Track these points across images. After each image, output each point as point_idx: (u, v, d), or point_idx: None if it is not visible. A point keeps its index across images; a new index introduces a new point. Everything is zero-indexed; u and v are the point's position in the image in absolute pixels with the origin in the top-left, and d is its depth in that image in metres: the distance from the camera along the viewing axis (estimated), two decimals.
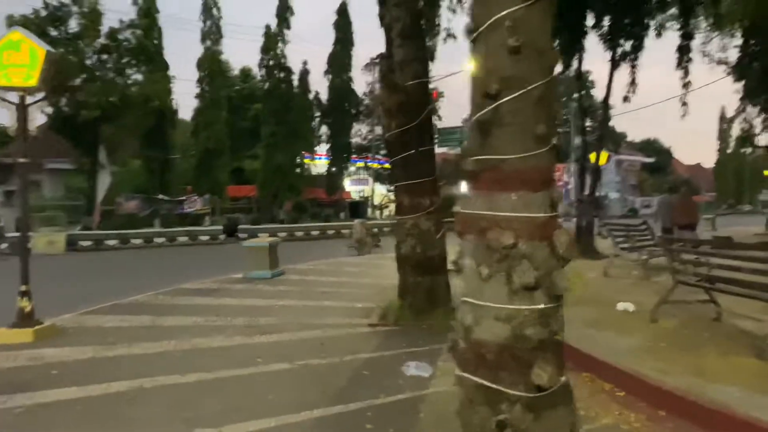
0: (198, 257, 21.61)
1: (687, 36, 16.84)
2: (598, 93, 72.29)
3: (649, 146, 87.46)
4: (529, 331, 3.04)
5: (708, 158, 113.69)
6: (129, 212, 32.30)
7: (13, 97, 7.30)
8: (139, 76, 31.58)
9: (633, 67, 17.19)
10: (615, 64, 16.90)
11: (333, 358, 6.27)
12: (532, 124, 3.07)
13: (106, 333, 7.51)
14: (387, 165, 48.37)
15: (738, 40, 24.76)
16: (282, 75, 38.65)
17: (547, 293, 3.08)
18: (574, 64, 17.57)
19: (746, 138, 28.11)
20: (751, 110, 27.66)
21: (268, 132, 38.17)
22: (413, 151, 7.81)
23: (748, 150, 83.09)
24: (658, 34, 17.55)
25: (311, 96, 42.43)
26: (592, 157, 19.05)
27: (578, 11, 16.67)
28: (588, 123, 75.45)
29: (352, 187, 51.68)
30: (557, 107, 3.50)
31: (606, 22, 16.86)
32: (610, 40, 16.85)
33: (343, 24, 42.63)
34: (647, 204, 78.38)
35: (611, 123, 77.48)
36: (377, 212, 47.36)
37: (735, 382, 4.80)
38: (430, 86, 35.83)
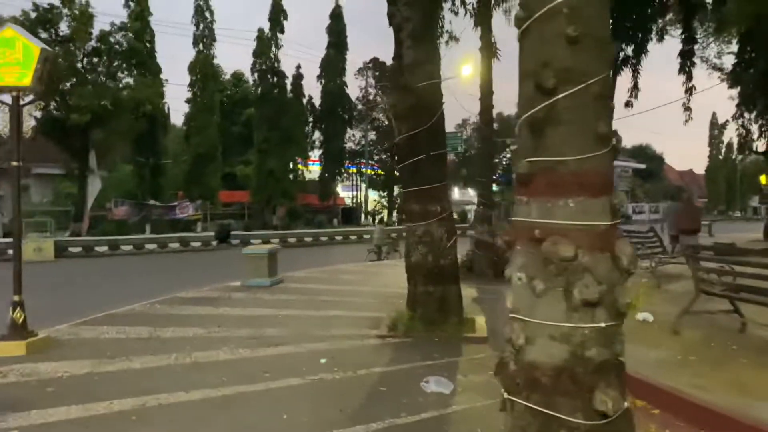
0: (191, 264, 21.20)
1: (689, 40, 16.69)
2: None
3: (641, 152, 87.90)
4: (590, 352, 2.74)
5: (700, 164, 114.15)
6: (119, 218, 31.78)
7: (6, 97, 6.94)
8: (130, 80, 31.08)
9: (635, 71, 17.01)
10: (616, 68, 16.71)
11: (346, 372, 5.95)
12: (591, 121, 2.78)
13: (103, 345, 7.13)
14: (380, 171, 48.22)
15: (733, 47, 24.80)
16: (275, 79, 38.32)
17: (609, 310, 2.77)
18: None
19: (744, 144, 28.01)
20: (747, 116, 27.76)
21: (260, 137, 37.85)
22: (424, 156, 7.51)
23: (739, 156, 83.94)
24: (660, 38, 17.41)
25: (304, 101, 42.09)
26: None
27: None
28: None
29: (344, 193, 51.37)
30: (612, 105, 3.22)
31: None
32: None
33: (336, 28, 42.45)
34: (640, 210, 78.83)
35: None
36: (369, 218, 47.02)
37: None
38: None
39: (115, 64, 30.49)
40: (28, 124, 7.18)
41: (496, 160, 45.56)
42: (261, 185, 37.96)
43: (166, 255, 25.83)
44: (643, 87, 16.97)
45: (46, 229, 30.03)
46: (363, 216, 46.85)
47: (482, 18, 13.58)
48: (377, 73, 47.27)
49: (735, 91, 27.67)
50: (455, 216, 39.37)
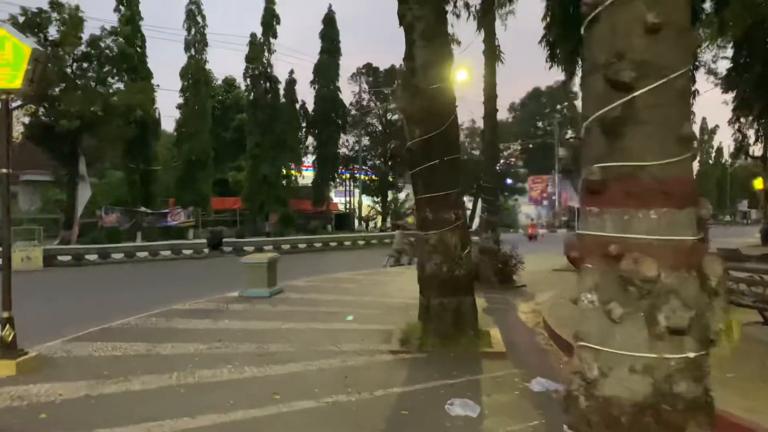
0: (184, 272, 20.69)
1: None
2: (580, 104, 72.94)
3: None
4: (678, 387, 2.37)
5: None
6: (110, 226, 31.17)
7: None
8: (121, 85, 30.55)
9: None
10: None
11: (362, 393, 5.56)
12: (674, 121, 2.43)
13: (99, 364, 6.69)
14: (374, 176, 47.86)
15: (727, 51, 24.68)
16: (268, 85, 37.90)
17: (699, 338, 2.41)
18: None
19: (740, 149, 27.97)
20: (743, 120, 27.69)
21: (253, 143, 37.40)
22: (437, 161, 7.15)
23: (729, 161, 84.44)
24: None
25: (297, 106, 41.70)
26: None
27: (581, 19, 16.22)
28: (570, 134, 75.63)
29: (337, 199, 50.96)
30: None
31: None
32: None
33: (329, 34, 42.12)
34: None
35: None
36: (363, 224, 46.63)
37: None
38: None
39: (106, 69, 29.94)
40: (18, 128, 6.78)
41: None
42: (254, 191, 37.48)
43: (157, 263, 25.28)
44: None
45: (34, 237, 29.35)
46: (357, 222, 46.42)
47: (485, 21, 13.28)
48: (371, 79, 46.99)
49: (728, 96, 27.60)
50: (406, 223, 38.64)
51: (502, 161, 49.13)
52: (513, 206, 68.33)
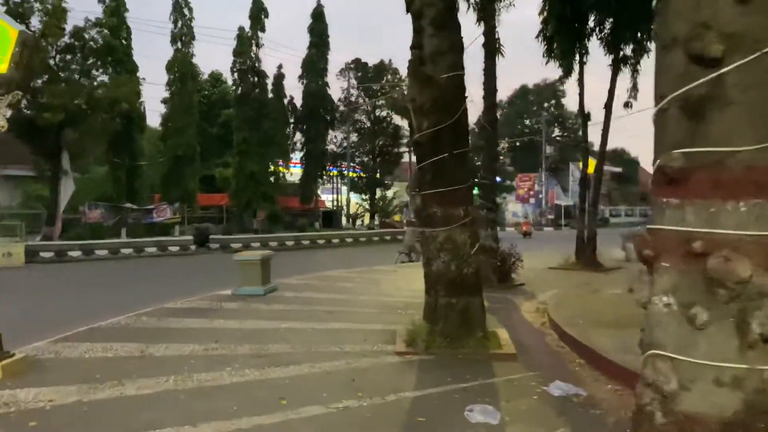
0: (171, 269, 20.25)
1: None
2: (568, 102, 73.24)
3: (617, 156, 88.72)
4: None
5: None
6: (93, 222, 30.54)
7: None
8: (105, 78, 29.94)
9: (634, 71, 16.64)
10: (617, 68, 16.33)
11: (373, 398, 5.25)
12: None
13: (90, 366, 6.32)
14: (362, 173, 47.50)
15: None
16: (256, 79, 37.40)
17: None
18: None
19: None
20: None
21: (240, 138, 36.88)
22: (446, 155, 6.84)
23: None
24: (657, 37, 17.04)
25: (286, 101, 41.22)
26: (591, 166, 18.57)
27: (579, 13, 16.05)
28: (557, 132, 75.81)
29: (324, 196, 50.53)
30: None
31: (607, 25, 16.28)
32: (612, 43, 16.27)
33: (318, 28, 41.65)
34: (616, 213, 79.44)
35: (581, 133, 78.65)
36: (351, 222, 46.27)
37: None
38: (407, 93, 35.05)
39: (90, 61, 29.39)
40: (3, 112, 6.34)
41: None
42: (241, 188, 36.99)
43: (143, 260, 24.76)
44: (620, 90, 16.65)
45: (16, 232, 28.66)
46: (345, 219, 46.03)
47: (486, 13, 13.01)
48: (359, 74, 46.59)
49: None
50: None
51: None
52: (501, 204, 68.37)
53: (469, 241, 6.99)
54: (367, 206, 49.09)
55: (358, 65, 46.57)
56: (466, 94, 7.12)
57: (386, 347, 7.13)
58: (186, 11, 35.51)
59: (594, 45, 18.76)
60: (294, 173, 44.38)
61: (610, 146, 18.12)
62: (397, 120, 47.13)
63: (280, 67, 40.22)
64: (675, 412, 2.20)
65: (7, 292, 13.09)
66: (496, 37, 13.01)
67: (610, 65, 16.60)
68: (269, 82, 38.74)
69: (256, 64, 37.33)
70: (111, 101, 28.18)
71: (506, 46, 14.24)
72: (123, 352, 6.94)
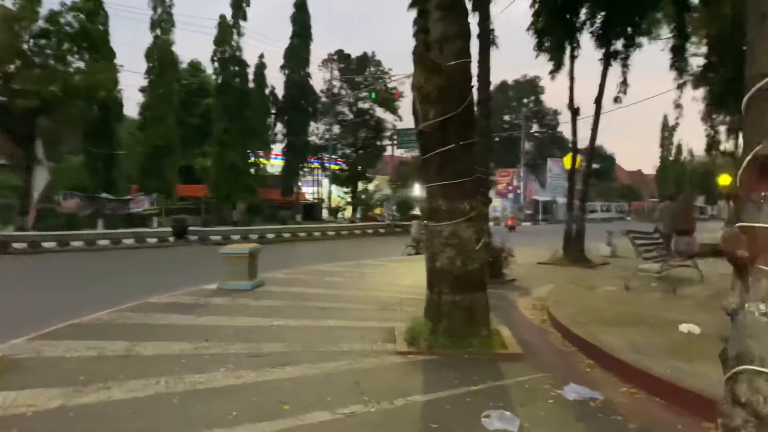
0: (150, 262, 19.72)
1: (681, 36, 16.29)
2: (546, 98, 73.58)
3: (594, 152, 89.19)
4: None
5: (646, 165, 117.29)
6: (69, 212, 29.70)
7: None
8: (82, 64, 29.03)
9: (624, 66, 16.53)
10: (607, 62, 16.20)
11: (381, 402, 4.94)
12: None
13: (73, 366, 5.91)
14: (343, 166, 47.05)
15: (695, 48, 24.71)
16: (236, 69, 36.69)
17: None
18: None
19: (712, 144, 28.16)
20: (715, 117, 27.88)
21: (220, 128, 36.21)
22: (453, 146, 6.54)
23: (687, 158, 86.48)
24: (648, 32, 16.95)
25: (267, 91, 40.56)
26: (568, 163, 18.49)
27: (572, 6, 15.89)
28: (536, 128, 76.14)
29: (305, 188, 50.00)
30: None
31: (599, 18, 16.13)
32: (603, 38, 16.13)
33: (300, 18, 41.04)
34: (592, 209, 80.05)
35: (559, 129, 79.01)
36: (332, 215, 45.81)
37: None
38: (391, 86, 34.56)
39: (65, 46, 28.42)
40: None
41: None
42: (220, 179, 36.34)
43: (120, 251, 24.17)
44: (590, 90, 16.57)
45: None
46: (326, 212, 45.55)
47: (481, 3, 12.72)
48: (342, 66, 46.05)
49: (698, 92, 27.60)
50: (419, 213, 38.62)
51: None
52: None
53: (475, 236, 6.71)
54: (349, 199, 48.68)
55: (341, 56, 46.03)
56: (473, 83, 6.82)
57: (386, 346, 6.83)
58: None
59: (581, 40, 18.64)
60: (275, 165, 43.76)
61: (586, 143, 18.02)
62: (380, 112, 46.78)
63: (261, 56, 39.54)
64: None
65: None
66: (491, 28, 12.74)
67: (601, 59, 16.47)
68: (250, 71, 38.09)
69: (237, 53, 36.65)
70: (88, 88, 27.35)
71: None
72: (108, 351, 6.53)
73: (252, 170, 38.62)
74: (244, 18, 36.69)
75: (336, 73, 45.71)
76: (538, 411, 4.85)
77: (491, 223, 46.92)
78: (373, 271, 14.65)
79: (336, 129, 46.81)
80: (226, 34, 36.07)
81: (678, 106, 17.29)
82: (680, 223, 13.66)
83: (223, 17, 36.16)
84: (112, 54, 31.28)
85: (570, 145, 18.19)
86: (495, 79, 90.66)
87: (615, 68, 16.61)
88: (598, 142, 16.86)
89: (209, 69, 41.17)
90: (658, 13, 16.45)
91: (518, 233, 35.82)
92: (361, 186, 48.92)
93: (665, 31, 19.43)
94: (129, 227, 29.22)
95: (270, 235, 31.52)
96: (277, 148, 44.07)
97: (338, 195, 49.14)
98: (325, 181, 48.56)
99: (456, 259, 6.60)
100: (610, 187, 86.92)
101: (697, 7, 17.06)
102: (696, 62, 25.22)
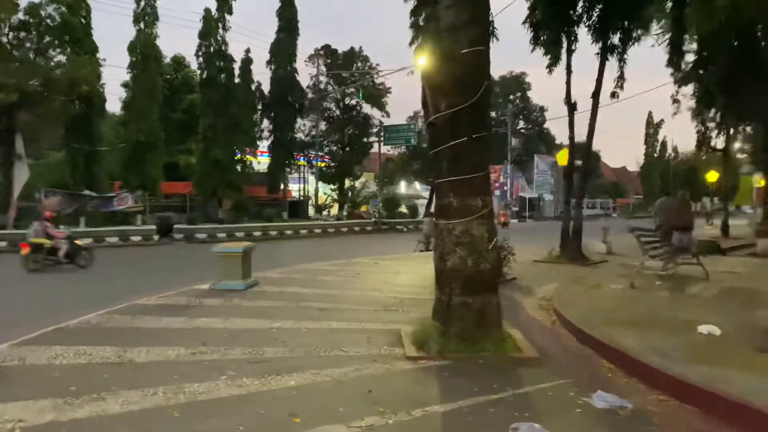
0: (135, 261, 19.24)
1: (679, 31, 16.13)
2: (533, 95, 73.74)
3: (579, 149, 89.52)
4: None
5: (631, 162, 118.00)
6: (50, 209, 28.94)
7: None
8: (63, 58, 28.33)
9: (621, 60, 16.32)
10: (604, 57, 15.98)
11: (398, 413, 4.59)
12: None
13: (62, 376, 5.49)
14: (331, 163, 46.58)
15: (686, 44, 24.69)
16: (222, 63, 36.07)
17: None
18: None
19: (702, 141, 28.22)
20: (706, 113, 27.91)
21: (205, 124, 35.61)
22: (465, 139, 6.21)
23: (672, 154, 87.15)
24: (645, 26, 16.75)
25: (253, 87, 39.96)
26: (561, 159, 18.31)
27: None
28: (522, 125, 76.26)
29: (291, 185, 49.48)
30: None
31: (596, 12, 15.90)
32: (600, 31, 15.90)
33: (287, 12, 40.49)
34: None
35: (546, 126, 79.24)
36: (319, 212, 45.35)
37: None
38: (377, 81, 34.15)
39: (46, 39, 27.71)
40: None
41: None
42: (206, 176, 35.72)
43: (103, 250, 23.44)
44: (580, 85, 16.33)
45: None
46: (314, 210, 45.06)
47: None
48: (329, 61, 45.53)
49: (686, 89, 27.55)
50: (405, 210, 38.26)
51: None
52: None
53: (487, 234, 6.39)
54: (336, 196, 48.22)
55: (327, 52, 45.49)
56: (489, 72, 6.49)
57: (394, 350, 6.48)
58: None
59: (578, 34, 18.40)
60: (261, 162, 43.20)
61: (577, 139, 17.80)
62: (367, 108, 46.38)
63: (247, 51, 38.85)
64: None
65: None
66: (490, 19, 12.42)
67: (598, 54, 16.23)
68: (236, 66, 37.45)
69: (223, 48, 35.99)
70: (69, 83, 26.63)
71: None
72: (99, 358, 6.12)
73: (238, 167, 38.04)
74: (230, 12, 36.09)
75: (323, 68, 45.20)
76: (569, 422, 4.54)
77: None
78: (367, 270, 14.30)
79: (323, 125, 46.31)
80: (211, 28, 35.41)
81: (676, 101, 17.18)
82: (679, 218, 13.55)
83: (208, 11, 35.51)
84: (95, 48, 30.59)
85: (567, 141, 17.93)
86: None
87: (611, 63, 16.39)
88: (584, 138, 16.62)
89: (193, 64, 40.56)
90: (654, 7, 16.23)
91: (509, 230, 35.70)
92: (348, 183, 48.49)
93: (660, 26, 19.34)
94: (112, 225, 28.58)
95: (256, 233, 31.06)
96: (264, 144, 43.50)
97: (324, 192, 48.65)
98: (312, 178, 48.10)
99: (468, 258, 6.27)
100: (595, 183, 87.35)
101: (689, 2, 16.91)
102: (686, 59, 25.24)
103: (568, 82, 16.33)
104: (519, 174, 73.42)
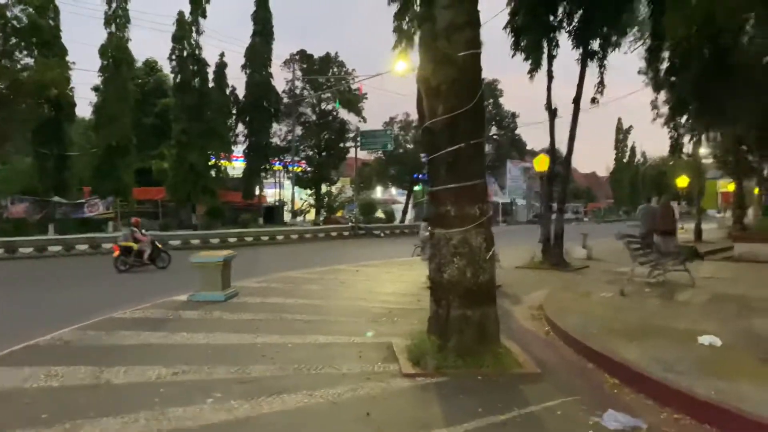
0: (106, 270, 18.48)
1: (658, 36, 16.15)
2: (505, 101, 74.12)
3: (571, 154, 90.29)
4: None
5: (600, 167, 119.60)
6: (17, 216, 28.06)
7: None
8: (30, 61, 27.50)
9: (601, 66, 16.29)
10: (585, 62, 15.93)
11: None
12: None
13: (32, 401, 5.08)
14: (304, 168, 46.07)
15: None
16: (195, 68, 35.40)
17: None
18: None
19: (675, 147, 28.43)
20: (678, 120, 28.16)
21: (179, 129, 34.82)
22: (463, 144, 5.95)
23: (641, 160, 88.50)
24: (624, 32, 16.75)
25: (228, 91, 39.34)
26: (538, 165, 18.24)
27: (549, 5, 15.56)
28: (495, 131, 76.57)
29: (267, 191, 48.84)
30: None
31: (576, 17, 15.84)
32: (580, 37, 15.84)
33: (262, 15, 40.00)
34: (552, 211, 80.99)
35: (517, 132, 79.67)
36: (295, 218, 44.83)
37: None
38: (354, 86, 33.91)
39: (13, 41, 26.87)
40: None
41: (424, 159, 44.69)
42: (179, 181, 34.94)
43: (73, 258, 22.81)
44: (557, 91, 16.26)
45: None
46: (290, 215, 44.51)
47: None
48: (305, 66, 45.12)
49: (657, 95, 27.73)
50: (382, 215, 38.00)
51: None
52: None
53: (485, 244, 6.13)
54: (313, 201, 47.74)
55: (303, 57, 45.08)
56: (482, 76, 6.24)
57: (389, 366, 6.18)
58: None
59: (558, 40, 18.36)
60: (236, 167, 42.56)
61: (543, 146, 17.86)
62: (344, 114, 46.07)
63: (222, 55, 38.38)
64: None
65: None
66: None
67: (578, 59, 16.18)
68: (210, 71, 36.84)
69: (197, 52, 35.33)
70: (37, 86, 25.85)
71: None
72: (73, 380, 5.70)
73: (212, 172, 37.34)
74: (204, 15, 35.42)
75: (298, 73, 44.78)
76: None
77: None
78: (350, 278, 13.97)
79: (299, 130, 45.84)
80: (185, 31, 34.75)
81: (655, 107, 17.22)
82: (661, 223, 13.61)
83: (181, 14, 34.81)
84: (64, 51, 29.84)
85: (539, 147, 17.85)
86: None
87: (591, 68, 16.34)
88: (557, 145, 16.59)
89: (166, 68, 39.79)
90: (634, 13, 16.23)
91: None
92: (324, 188, 48.06)
93: (637, 32, 19.39)
94: (82, 232, 27.78)
95: (232, 239, 30.47)
96: (239, 149, 42.85)
97: (301, 197, 48.14)
98: (288, 184, 47.53)
99: (467, 269, 6.00)
100: (568, 188, 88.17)
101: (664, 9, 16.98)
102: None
103: (548, 88, 16.24)
104: (492, 179, 73.73)
